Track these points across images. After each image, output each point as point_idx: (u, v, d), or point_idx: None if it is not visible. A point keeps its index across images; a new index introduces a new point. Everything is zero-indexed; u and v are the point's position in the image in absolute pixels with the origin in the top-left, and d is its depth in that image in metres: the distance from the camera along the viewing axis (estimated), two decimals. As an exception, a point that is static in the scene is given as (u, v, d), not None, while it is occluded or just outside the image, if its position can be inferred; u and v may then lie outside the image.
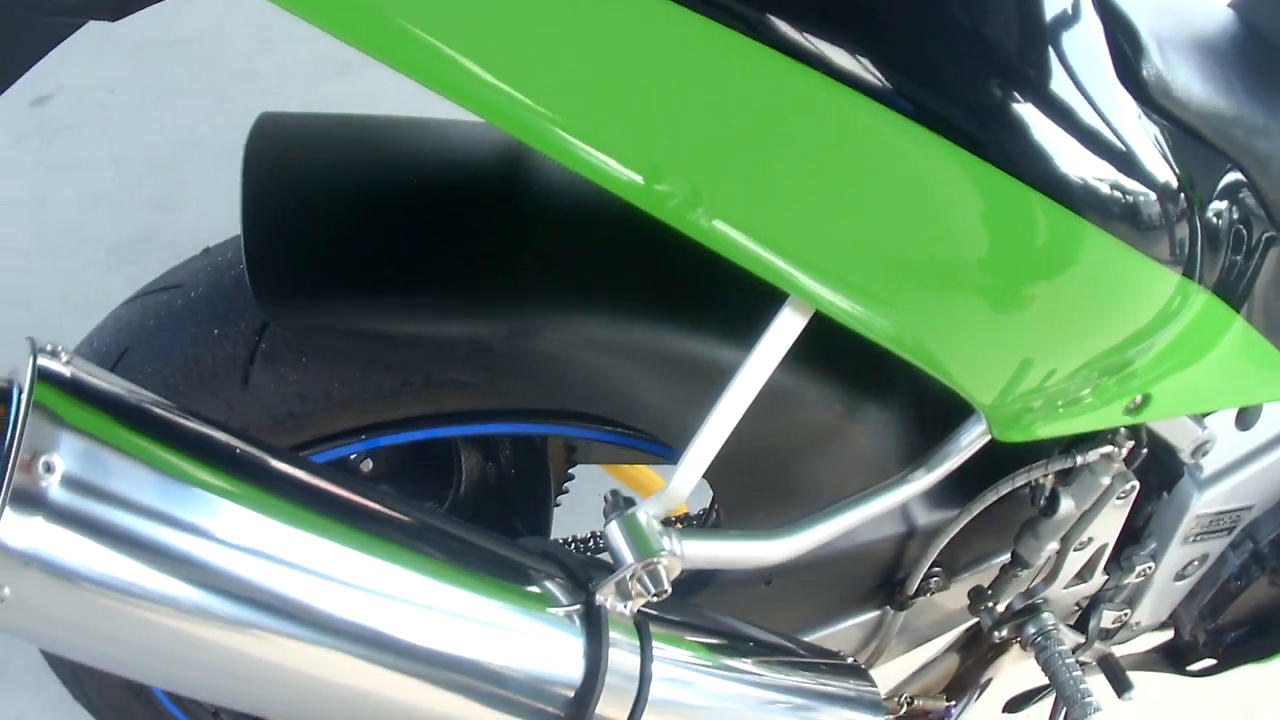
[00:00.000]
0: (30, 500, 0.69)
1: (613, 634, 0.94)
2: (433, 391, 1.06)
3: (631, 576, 0.93)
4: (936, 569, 1.25)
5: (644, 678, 0.95)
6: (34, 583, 0.70)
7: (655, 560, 0.92)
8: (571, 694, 0.93)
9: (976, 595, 1.30)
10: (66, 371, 0.74)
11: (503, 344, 1.00)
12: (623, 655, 0.94)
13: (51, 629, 0.75)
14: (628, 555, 0.93)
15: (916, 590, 1.24)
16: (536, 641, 0.91)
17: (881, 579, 1.26)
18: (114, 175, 3.21)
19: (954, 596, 1.32)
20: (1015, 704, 1.54)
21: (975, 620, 1.38)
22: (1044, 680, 1.41)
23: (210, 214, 3.03)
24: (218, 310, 1.07)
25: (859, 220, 0.82)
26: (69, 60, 3.58)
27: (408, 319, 1.00)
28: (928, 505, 1.20)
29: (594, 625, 0.94)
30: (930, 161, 0.79)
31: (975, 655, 1.45)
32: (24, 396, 0.71)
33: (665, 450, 1.19)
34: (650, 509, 0.95)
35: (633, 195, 0.76)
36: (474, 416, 1.13)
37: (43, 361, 0.73)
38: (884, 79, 0.75)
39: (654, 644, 0.97)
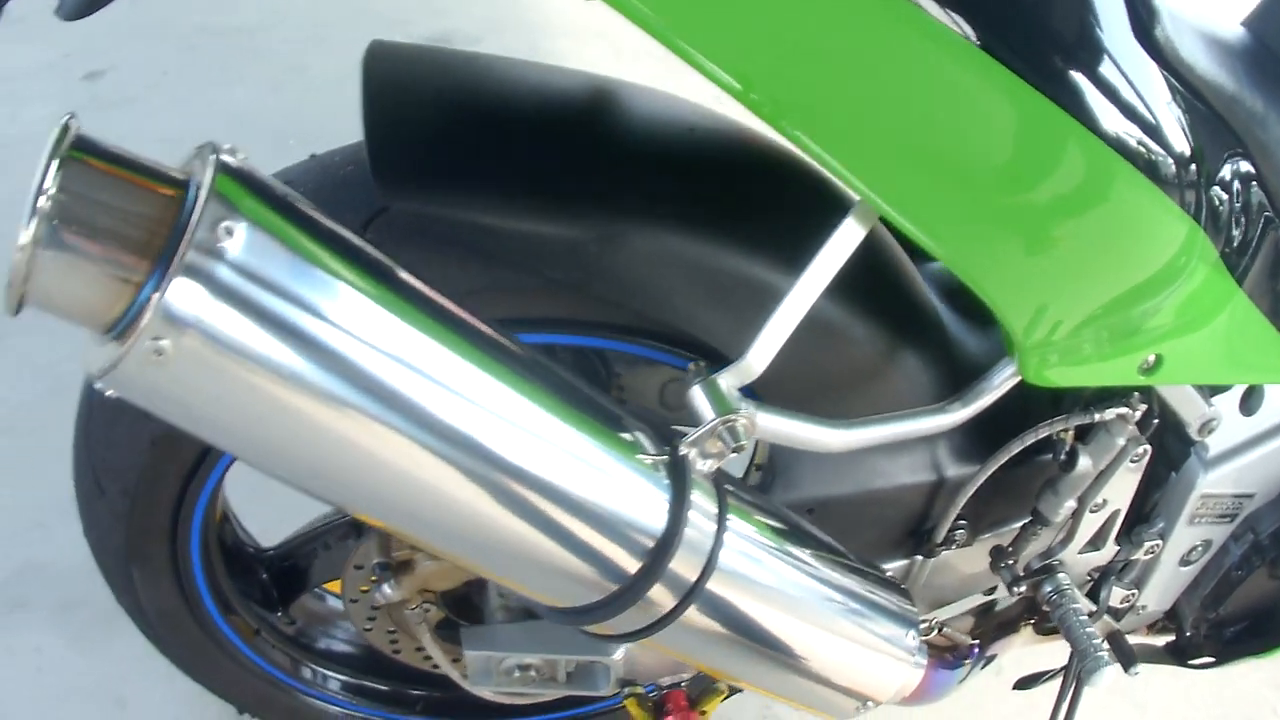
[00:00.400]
0: (203, 270, 0.76)
1: (694, 492, 1.02)
2: (523, 294, 1.14)
3: (712, 433, 1.01)
4: (962, 521, 1.32)
5: (718, 538, 1.02)
6: (192, 345, 0.77)
7: (734, 418, 1.01)
8: (652, 542, 1.00)
9: (997, 553, 1.37)
10: (244, 167, 0.82)
11: (593, 246, 1.09)
12: (701, 513, 1.02)
13: (189, 393, 0.81)
14: (709, 412, 1.01)
15: (944, 540, 1.32)
16: (626, 484, 0.98)
17: (912, 526, 1.34)
18: (163, 152, 3.23)
19: (974, 559, 1.39)
20: (1025, 683, 1.61)
21: (988, 598, 1.46)
22: (1051, 666, 1.52)
23: (258, 194, 3.11)
24: (325, 205, 1.14)
25: (928, 138, 0.92)
26: (123, 41, 3.68)
27: (510, 215, 1.09)
28: (956, 457, 1.28)
29: (679, 476, 1.01)
30: (995, 90, 0.90)
31: (985, 628, 1.53)
32: (208, 176, 0.79)
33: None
34: (727, 378, 1.03)
35: (734, 95, 0.86)
36: (557, 325, 1.20)
37: (223, 157, 0.81)
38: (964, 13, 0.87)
39: (729, 510, 1.04)
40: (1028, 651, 1.62)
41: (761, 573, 1.08)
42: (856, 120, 0.90)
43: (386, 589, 1.34)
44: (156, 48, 3.68)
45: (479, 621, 1.46)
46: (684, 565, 1.01)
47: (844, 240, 0.99)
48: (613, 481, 0.96)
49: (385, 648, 1.56)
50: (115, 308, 0.77)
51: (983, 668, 1.49)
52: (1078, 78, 0.92)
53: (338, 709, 1.70)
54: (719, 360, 1.13)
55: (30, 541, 2.33)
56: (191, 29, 3.67)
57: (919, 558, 1.36)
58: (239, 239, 0.77)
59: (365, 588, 1.46)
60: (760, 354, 1.02)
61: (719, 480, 1.06)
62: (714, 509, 1.03)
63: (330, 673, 1.70)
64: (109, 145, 0.78)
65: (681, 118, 1.24)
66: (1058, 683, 1.48)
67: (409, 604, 1.37)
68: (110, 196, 0.76)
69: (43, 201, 0.73)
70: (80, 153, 0.76)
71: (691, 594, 1.03)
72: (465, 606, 1.51)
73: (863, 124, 0.90)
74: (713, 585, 1.03)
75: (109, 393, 0.82)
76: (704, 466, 1.03)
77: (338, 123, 3.28)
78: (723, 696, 1.59)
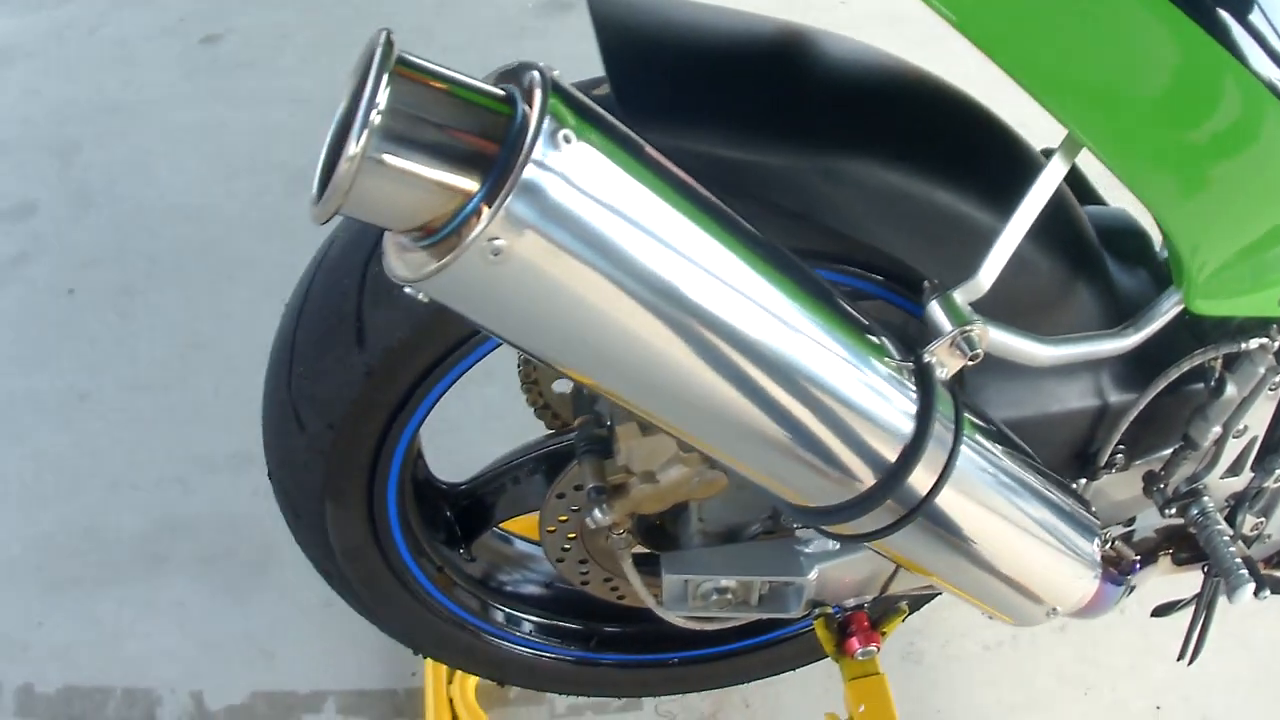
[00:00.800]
0: (544, 174, 0.80)
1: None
2: (760, 224, 1.17)
3: (951, 342, 1.08)
4: (1121, 446, 1.40)
5: (955, 443, 1.08)
6: (529, 245, 0.81)
7: (969, 329, 1.08)
8: (900, 444, 1.05)
9: (1150, 478, 1.45)
10: (564, 84, 0.85)
11: (817, 178, 1.16)
12: (941, 418, 1.07)
13: (513, 291, 0.85)
14: (947, 324, 1.09)
15: (1105, 463, 1.40)
16: (877, 386, 1.03)
17: (1078, 449, 1.42)
18: (292, 111, 3.27)
19: (1125, 485, 1.47)
20: (1162, 610, 1.65)
21: (1128, 528, 1.54)
22: (1183, 594, 1.59)
23: (397, 153, 3.09)
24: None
25: (1127, 79, 1.01)
26: (240, 6, 3.68)
27: (741, 147, 1.15)
28: (1118, 384, 1.36)
29: (925, 381, 1.07)
30: (1174, 32, 0.96)
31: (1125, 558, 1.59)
32: (539, 90, 0.82)
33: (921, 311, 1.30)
34: (961, 294, 1.10)
35: (959, 17, 0.94)
36: None
37: (550, 73, 0.85)
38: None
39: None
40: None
41: (985, 479, 1.14)
42: (1066, 60, 0.98)
43: (598, 513, 1.38)
44: (275, 11, 3.68)
45: (670, 550, 1.51)
46: (925, 469, 1.06)
47: (1053, 172, 1.08)
48: (867, 383, 1.02)
49: (574, 578, 1.60)
50: (439, 214, 0.82)
51: (1126, 596, 1.55)
52: (1234, 22, 0.98)
53: (523, 649, 1.75)
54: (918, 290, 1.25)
55: (169, 497, 2.35)
56: (313, -8, 3.66)
57: (1082, 480, 1.43)
58: (573, 147, 0.81)
59: (564, 517, 1.50)
60: (988, 272, 1.09)
61: (954, 388, 1.11)
62: (951, 415, 1.09)
63: (513, 610, 1.75)
64: (428, 61, 0.82)
65: (879, 62, 1.31)
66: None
67: (617, 528, 1.41)
68: (440, 110, 0.80)
69: (374, 116, 0.76)
70: (405, 67, 0.80)
71: (929, 497, 1.08)
72: (657, 535, 1.56)
73: (1072, 64, 0.99)
74: (945, 489, 1.09)
75: (420, 296, 0.87)
76: (941, 374, 1.09)
77: (467, 84, 3.30)
78: (903, 617, 1.68)
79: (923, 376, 1.07)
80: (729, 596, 1.46)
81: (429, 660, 1.96)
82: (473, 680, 1.99)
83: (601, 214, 0.83)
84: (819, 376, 0.98)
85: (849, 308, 1.03)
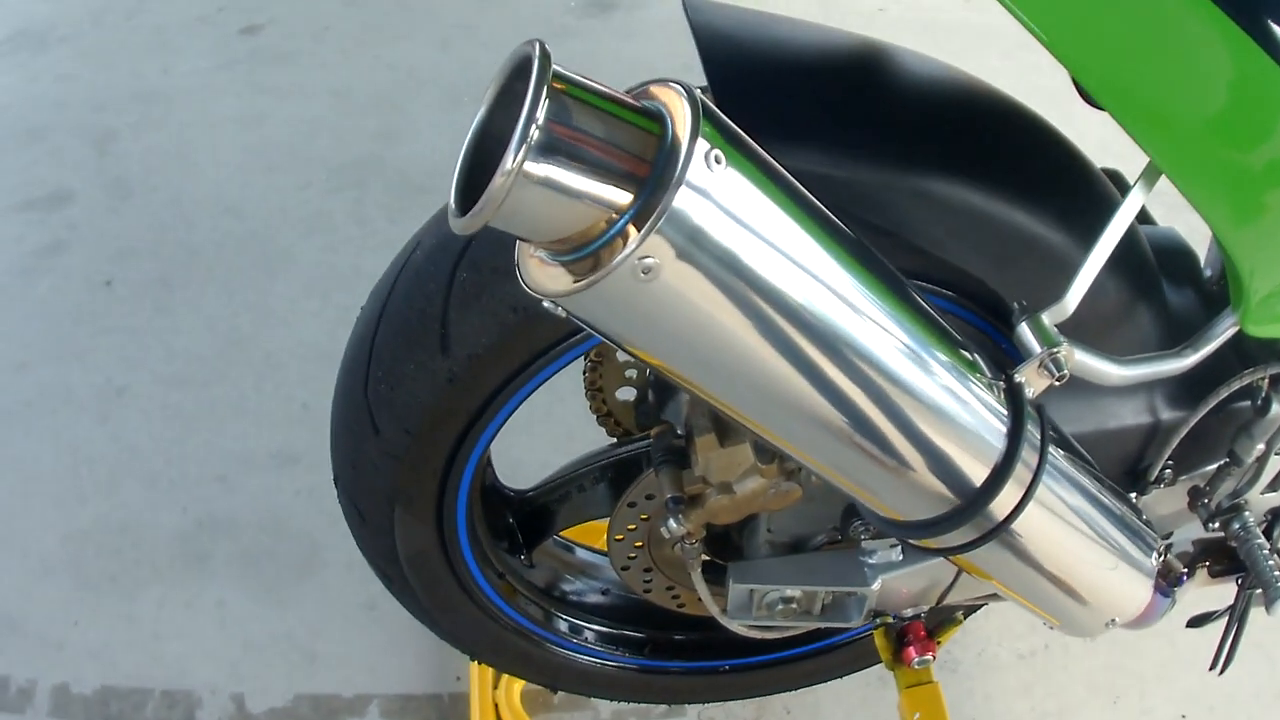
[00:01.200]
0: (697, 194, 0.81)
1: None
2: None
3: (1039, 363, 1.11)
4: (1170, 463, 1.44)
5: (1041, 461, 1.10)
6: (681, 264, 0.82)
7: (1058, 350, 1.10)
8: (991, 461, 1.07)
9: (1195, 493, 1.49)
10: (709, 103, 0.86)
11: (906, 194, 1.19)
12: (1029, 436, 1.09)
13: (658, 309, 0.86)
14: (1036, 345, 1.11)
15: (1155, 478, 1.44)
16: (973, 404, 1.05)
17: (1130, 465, 1.46)
18: (333, 104, 3.26)
19: (1170, 499, 1.50)
20: (1198, 621, 1.68)
21: (1166, 541, 1.55)
22: (1218, 606, 1.61)
23: (435, 147, 3.06)
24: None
25: (1204, 112, 1.04)
26: (277, -5, 3.66)
27: (834, 164, 1.18)
28: (1169, 403, 1.40)
29: (1016, 400, 1.09)
30: (1244, 61, 0.98)
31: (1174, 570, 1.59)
32: (687, 108, 0.83)
33: (993, 330, 1.36)
34: (1049, 315, 1.13)
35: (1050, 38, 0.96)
36: None
37: (697, 93, 0.85)
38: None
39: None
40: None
41: (1063, 494, 1.17)
42: (1147, 88, 1.02)
43: (673, 523, 1.38)
44: (317, 4, 3.66)
45: (734, 559, 1.53)
46: (1012, 486, 1.08)
47: (1134, 200, 1.11)
48: (966, 403, 1.04)
49: (637, 586, 1.60)
50: (588, 230, 0.82)
51: (1171, 608, 1.55)
52: None
53: (578, 655, 1.76)
54: (996, 312, 1.31)
55: (210, 495, 2.33)
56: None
57: (1132, 495, 1.46)
58: (723, 169, 0.82)
59: (633, 525, 1.50)
60: (1074, 296, 1.12)
61: (1041, 408, 1.13)
62: (1038, 434, 1.10)
63: (572, 618, 1.76)
64: (581, 75, 0.82)
65: (961, 82, 1.34)
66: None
67: (690, 538, 1.42)
68: (594, 126, 0.80)
69: (533, 131, 0.76)
70: (561, 82, 0.79)
71: (1014, 514, 1.09)
72: (723, 545, 1.57)
73: (1152, 91, 1.02)
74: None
75: (558, 311, 0.88)
76: (1030, 393, 1.11)
77: (514, 82, 3.27)
78: (958, 626, 1.71)
79: (1014, 396, 1.09)
80: (793, 606, 1.49)
81: (474, 664, 1.95)
82: (519, 685, 1.98)
83: (745, 236, 0.84)
84: (927, 395, 1.01)
85: (949, 327, 1.05)
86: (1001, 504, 1.08)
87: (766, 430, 1.03)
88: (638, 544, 1.52)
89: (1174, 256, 1.45)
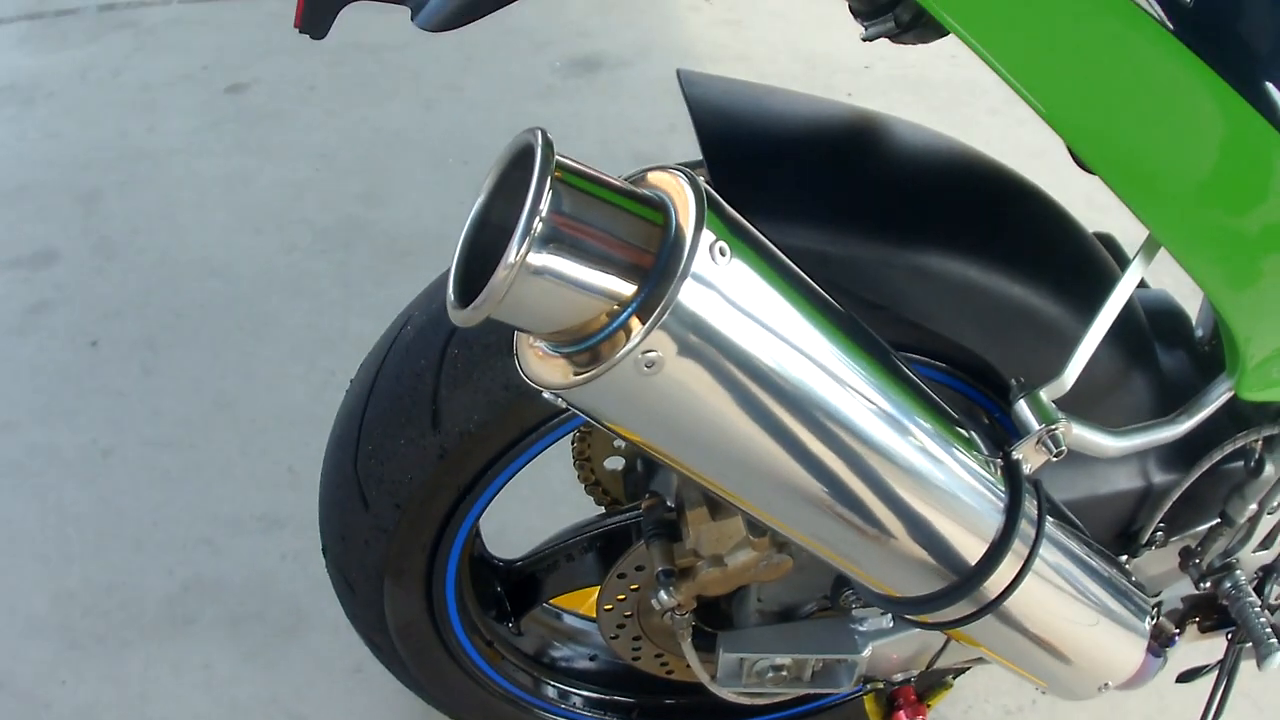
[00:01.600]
0: (702, 288, 0.81)
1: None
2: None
3: (1038, 440, 1.11)
4: (1162, 525, 1.45)
5: (1038, 537, 1.10)
6: (685, 358, 0.82)
7: (1056, 427, 1.11)
8: (988, 538, 1.08)
9: (1186, 554, 1.51)
10: (712, 192, 0.86)
11: (903, 270, 1.19)
12: (1026, 513, 1.09)
13: (660, 402, 0.86)
14: (1035, 422, 1.11)
15: (1147, 540, 1.46)
16: (970, 482, 1.05)
17: (1121, 528, 1.47)
18: (319, 166, 3.27)
19: (1161, 560, 1.51)
20: (1187, 676, 1.70)
21: (1157, 598, 1.58)
22: (1207, 660, 1.63)
23: (421, 211, 3.06)
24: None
25: (1203, 188, 1.04)
26: (265, 56, 3.68)
27: (831, 241, 1.18)
28: (1162, 466, 1.41)
29: (1013, 477, 1.09)
30: (1243, 132, 0.99)
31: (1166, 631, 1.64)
32: (692, 198, 0.83)
33: (988, 403, 1.37)
34: (1047, 392, 1.13)
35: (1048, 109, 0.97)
36: None
37: (700, 181, 0.85)
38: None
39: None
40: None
41: (1059, 567, 1.17)
42: (1149, 159, 1.02)
43: (664, 595, 1.40)
44: (301, 63, 3.67)
45: (722, 628, 1.54)
46: (1011, 561, 1.09)
47: (1133, 275, 1.12)
48: (963, 482, 1.05)
49: (625, 654, 1.61)
50: (590, 323, 0.82)
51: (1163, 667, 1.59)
52: None
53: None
54: (991, 384, 1.32)
55: (197, 558, 2.33)
56: (337, 44, 3.66)
57: (1124, 557, 1.47)
58: (728, 261, 0.82)
59: (622, 596, 1.51)
60: (1072, 372, 1.13)
61: (1038, 484, 1.14)
62: (1034, 510, 1.11)
63: (560, 684, 1.77)
64: (583, 164, 0.82)
65: (955, 152, 1.35)
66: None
67: (680, 610, 1.43)
68: (597, 217, 0.80)
69: (536, 223, 0.75)
70: (563, 172, 0.79)
71: (1011, 589, 1.10)
72: (712, 613, 1.57)
73: (1153, 163, 1.02)
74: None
75: (558, 402, 0.87)
76: (1026, 470, 1.12)
77: (497, 144, 3.29)
78: (948, 690, 1.73)
79: (1011, 473, 1.09)
80: (783, 673, 1.49)
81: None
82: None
83: (749, 327, 0.84)
84: (926, 478, 1.01)
85: (945, 405, 1.06)
86: (998, 580, 1.09)
87: (765, 514, 1.03)
88: (627, 614, 1.52)
89: (1166, 319, 1.46)
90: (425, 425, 1.29)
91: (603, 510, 1.66)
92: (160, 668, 2.16)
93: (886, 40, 1.18)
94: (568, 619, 1.81)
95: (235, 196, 3.17)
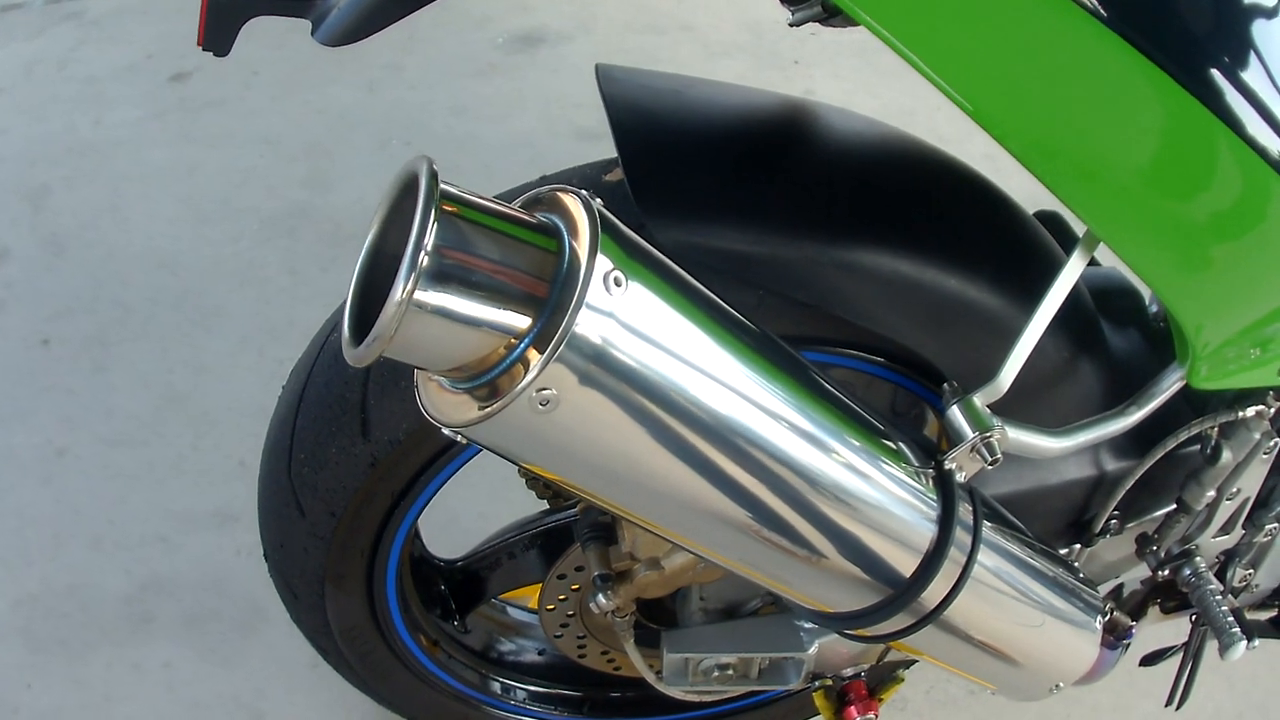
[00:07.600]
0: (596, 320, 0.78)
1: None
2: (772, 313, 1.20)
3: (972, 448, 1.08)
4: (1116, 512, 1.44)
5: (974, 546, 1.08)
6: (582, 393, 0.79)
7: (990, 434, 1.08)
8: (921, 550, 1.06)
9: (1143, 540, 1.50)
10: (608, 214, 0.83)
11: (831, 268, 1.16)
12: (961, 522, 1.07)
13: (560, 436, 0.83)
14: (968, 430, 1.09)
15: (1100, 529, 1.44)
16: (899, 495, 1.03)
17: (1074, 517, 1.45)
18: (264, 152, 3.25)
19: (1118, 547, 1.51)
20: (1150, 659, 1.71)
21: (1116, 581, 1.58)
22: (1173, 642, 1.65)
23: (367, 194, 3.06)
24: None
25: (1143, 176, 1.01)
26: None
27: (757, 241, 1.15)
28: (1115, 454, 1.39)
29: (945, 488, 1.07)
30: (1187, 121, 0.97)
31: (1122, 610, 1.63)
32: (586, 225, 0.80)
33: (933, 396, 1.34)
34: (981, 397, 1.11)
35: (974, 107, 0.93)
36: (801, 342, 1.26)
37: (596, 205, 0.83)
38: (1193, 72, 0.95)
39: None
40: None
41: (1000, 573, 1.15)
42: (1084, 153, 0.98)
43: (602, 598, 1.39)
44: (243, 48, 3.61)
45: (668, 626, 1.53)
46: (947, 571, 1.07)
47: (1073, 268, 1.09)
48: (892, 496, 1.03)
49: (571, 653, 1.62)
50: (485, 358, 0.79)
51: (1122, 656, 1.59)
52: (1234, 96, 0.98)
53: (518, 716, 1.77)
54: (933, 377, 1.27)
55: (152, 556, 2.33)
56: (280, 28, 3.63)
57: (1077, 547, 1.46)
58: (624, 289, 0.79)
59: (564, 596, 1.51)
60: (1008, 374, 1.10)
61: (973, 491, 1.12)
62: (970, 519, 1.09)
63: (507, 680, 1.77)
64: (472, 194, 0.79)
65: (890, 140, 1.32)
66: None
67: (620, 612, 1.42)
68: (487, 248, 0.77)
69: (422, 258, 0.73)
70: (450, 203, 0.76)
71: (949, 599, 1.08)
72: (657, 612, 1.57)
73: (1088, 157, 0.99)
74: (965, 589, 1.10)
75: (459, 439, 0.84)
76: (960, 478, 1.09)
77: (439, 123, 3.29)
78: (899, 684, 1.70)
79: (944, 483, 1.07)
80: (730, 672, 1.47)
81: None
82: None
83: (652, 353, 0.81)
84: (850, 493, 0.99)
85: (870, 416, 1.03)
86: (935, 591, 1.06)
87: (690, 543, 1.00)
88: (569, 614, 1.52)
89: (1117, 298, 1.43)
90: (356, 434, 1.28)
91: (546, 506, 1.66)
92: (122, 668, 2.16)
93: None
94: (513, 613, 1.82)
95: (181, 186, 3.15)
